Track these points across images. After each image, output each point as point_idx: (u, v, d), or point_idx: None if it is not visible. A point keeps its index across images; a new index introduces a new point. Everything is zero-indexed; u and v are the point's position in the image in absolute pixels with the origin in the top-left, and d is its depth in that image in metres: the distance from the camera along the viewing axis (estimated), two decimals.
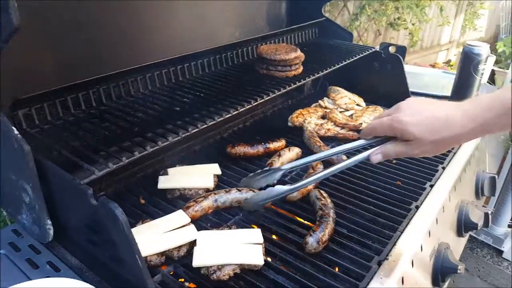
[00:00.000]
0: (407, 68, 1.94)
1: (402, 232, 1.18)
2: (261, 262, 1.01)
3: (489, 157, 2.01)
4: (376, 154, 1.01)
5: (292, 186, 1.08)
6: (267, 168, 1.15)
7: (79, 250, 1.01)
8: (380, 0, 3.44)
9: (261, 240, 1.08)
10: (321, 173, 1.08)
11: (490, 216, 1.69)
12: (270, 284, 1.00)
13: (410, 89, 1.92)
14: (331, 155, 1.12)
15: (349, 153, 1.21)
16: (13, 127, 0.87)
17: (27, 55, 1.06)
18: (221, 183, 1.36)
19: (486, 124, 0.87)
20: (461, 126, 0.89)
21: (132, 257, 0.80)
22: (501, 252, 3.04)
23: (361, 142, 1.07)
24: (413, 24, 3.79)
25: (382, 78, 1.91)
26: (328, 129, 1.63)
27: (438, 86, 2.30)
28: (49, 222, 0.97)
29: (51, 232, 0.98)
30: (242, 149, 1.45)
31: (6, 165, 0.98)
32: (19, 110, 1.02)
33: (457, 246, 1.61)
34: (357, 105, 1.85)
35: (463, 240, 1.71)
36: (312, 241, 1.08)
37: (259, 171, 1.16)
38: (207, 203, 1.19)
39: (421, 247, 1.18)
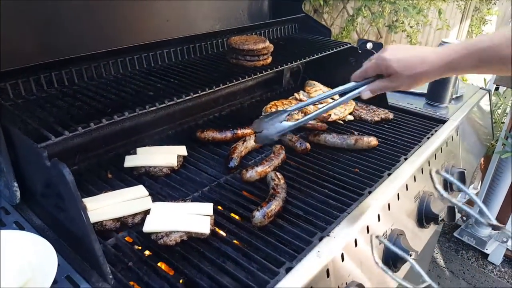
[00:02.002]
0: None
1: (348, 213, 1.24)
2: (207, 231, 1.10)
3: (465, 153, 2.05)
4: (365, 91, 1.23)
5: (295, 122, 1.32)
6: (275, 110, 1.39)
7: (43, 211, 1.11)
8: (378, 1, 3.49)
9: (211, 212, 1.16)
10: (318, 110, 1.31)
11: (456, 210, 1.73)
12: (215, 251, 1.08)
13: None
14: (327, 97, 1.35)
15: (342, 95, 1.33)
16: None
17: (6, 34, 1.17)
18: (187, 163, 1.46)
19: (451, 63, 1.06)
20: (431, 63, 1.09)
21: (78, 213, 0.89)
22: (486, 255, 3.05)
23: (352, 84, 1.27)
24: (411, 27, 3.83)
25: None
26: (297, 119, 1.70)
27: None
28: (15, 184, 1.07)
29: (18, 194, 1.09)
30: (210, 134, 1.54)
31: None
32: None
33: (419, 236, 1.66)
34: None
35: (427, 232, 1.75)
36: (258, 215, 1.15)
37: (268, 113, 1.40)
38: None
39: (367, 228, 1.24)
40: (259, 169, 1.37)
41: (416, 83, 1.16)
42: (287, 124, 1.31)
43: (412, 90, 2.17)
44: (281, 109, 1.37)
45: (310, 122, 1.71)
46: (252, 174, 1.36)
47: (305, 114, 1.61)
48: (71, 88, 1.27)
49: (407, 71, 1.13)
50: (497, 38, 1.01)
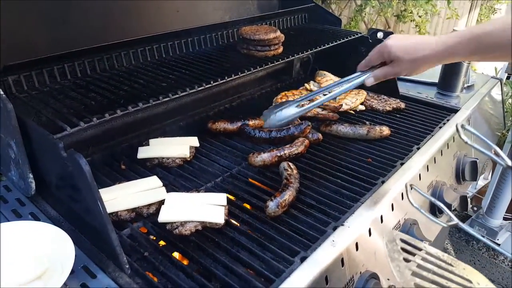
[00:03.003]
0: None
1: (362, 203, 1.24)
2: (222, 221, 1.10)
3: (477, 143, 2.02)
4: (369, 78, 1.29)
5: (302, 109, 1.38)
6: (283, 101, 1.49)
7: (58, 203, 1.12)
8: None
9: (225, 202, 1.17)
10: (324, 97, 1.38)
11: (468, 200, 1.72)
12: (229, 241, 1.08)
13: None
14: (334, 86, 1.39)
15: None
16: None
17: (19, 27, 1.18)
18: (199, 154, 1.46)
19: (452, 48, 1.10)
20: (432, 48, 1.13)
21: (95, 204, 0.89)
22: (497, 245, 3.02)
23: (358, 73, 1.33)
24: (420, 16, 3.78)
25: None
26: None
27: (425, 73, 2.32)
28: (31, 176, 1.08)
29: (33, 185, 1.10)
30: (222, 125, 1.54)
31: None
32: (8, 76, 1.13)
33: (431, 225, 1.65)
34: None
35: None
36: (272, 205, 1.15)
37: (277, 103, 1.48)
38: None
39: (381, 218, 1.24)
40: (265, 156, 1.36)
41: (418, 68, 1.19)
42: (293, 110, 1.38)
43: (423, 79, 2.15)
44: (290, 99, 1.38)
45: (321, 112, 1.71)
46: (257, 159, 1.36)
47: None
48: (84, 79, 1.28)
49: (408, 56, 1.16)
50: (496, 24, 1.03)
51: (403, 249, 1.05)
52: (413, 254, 1.04)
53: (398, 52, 1.18)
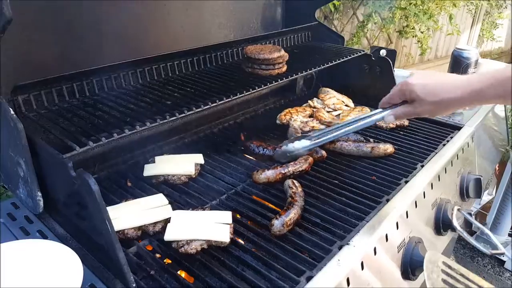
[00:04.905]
0: (398, 71, 2.01)
1: (367, 222, 1.24)
2: (227, 240, 1.10)
3: (481, 160, 2.03)
4: (389, 116, 1.24)
5: (314, 142, 1.37)
6: (298, 135, 1.49)
7: (66, 221, 1.13)
8: (388, 7, 3.50)
9: (230, 220, 1.17)
10: (339, 131, 1.36)
11: (472, 217, 1.72)
12: (235, 259, 1.08)
13: None
14: (351, 124, 1.36)
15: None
16: (10, 108, 1.01)
17: (29, 46, 1.21)
18: (204, 171, 1.47)
19: (478, 91, 1.03)
20: (457, 91, 1.06)
21: (103, 222, 0.90)
22: (502, 262, 3.00)
23: (378, 111, 1.31)
24: (422, 32, 3.82)
25: (372, 81, 1.98)
26: (313, 127, 1.71)
27: None
28: (39, 194, 1.09)
29: (41, 203, 1.11)
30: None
31: (7, 143, 1.11)
32: (19, 95, 1.16)
33: (436, 244, 1.65)
34: (346, 105, 1.92)
35: (445, 239, 1.74)
36: (277, 224, 1.16)
37: (292, 138, 1.47)
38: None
39: (386, 237, 1.24)
40: (269, 173, 1.37)
41: (440, 110, 1.14)
42: (306, 142, 1.36)
43: None
44: (305, 134, 1.41)
45: None
46: (261, 176, 1.37)
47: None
48: (92, 98, 1.30)
49: (430, 97, 1.10)
50: None
51: (443, 271, 1.04)
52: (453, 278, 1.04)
53: (420, 92, 1.11)
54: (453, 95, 1.07)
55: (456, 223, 1.51)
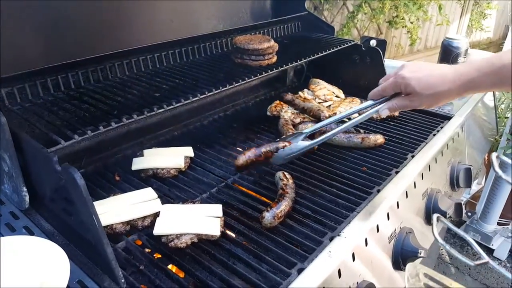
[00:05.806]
0: (388, 62, 2.00)
1: (358, 213, 1.24)
2: (218, 233, 1.09)
3: (470, 150, 2.04)
4: (383, 109, 1.22)
5: (311, 142, 1.30)
6: (293, 133, 1.42)
7: (52, 216, 1.11)
8: None
9: (220, 214, 1.16)
10: (335, 129, 1.30)
11: (463, 207, 1.73)
12: (225, 253, 1.07)
13: None
14: (346, 116, 1.32)
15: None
16: None
17: (12, 38, 1.17)
18: (194, 164, 1.45)
19: (473, 81, 1.03)
20: (452, 82, 1.06)
21: (90, 218, 0.88)
22: (491, 250, 3.04)
23: (370, 102, 1.26)
24: (411, 23, 3.82)
25: (362, 71, 1.97)
26: (304, 118, 1.70)
27: None
28: (24, 189, 1.07)
29: (27, 199, 1.09)
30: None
31: None
32: (1, 88, 1.12)
33: (427, 234, 1.66)
34: (336, 96, 1.91)
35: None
36: (268, 216, 1.15)
37: (286, 136, 1.39)
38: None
39: (377, 227, 1.24)
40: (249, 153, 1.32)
41: (436, 102, 1.14)
42: (303, 144, 1.30)
43: None
44: (298, 131, 1.37)
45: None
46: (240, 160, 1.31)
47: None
48: (78, 91, 1.27)
49: (427, 91, 1.10)
50: None
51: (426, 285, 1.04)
52: None
53: (416, 86, 1.10)
54: (448, 86, 1.07)
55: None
